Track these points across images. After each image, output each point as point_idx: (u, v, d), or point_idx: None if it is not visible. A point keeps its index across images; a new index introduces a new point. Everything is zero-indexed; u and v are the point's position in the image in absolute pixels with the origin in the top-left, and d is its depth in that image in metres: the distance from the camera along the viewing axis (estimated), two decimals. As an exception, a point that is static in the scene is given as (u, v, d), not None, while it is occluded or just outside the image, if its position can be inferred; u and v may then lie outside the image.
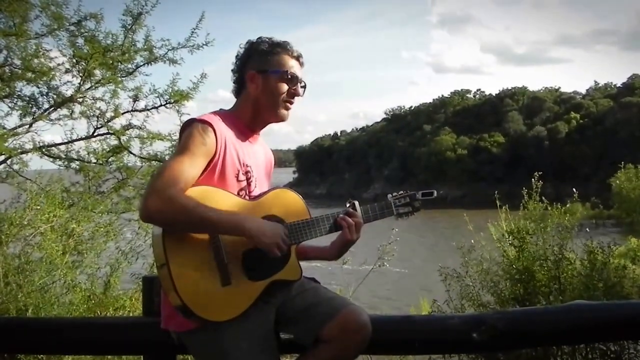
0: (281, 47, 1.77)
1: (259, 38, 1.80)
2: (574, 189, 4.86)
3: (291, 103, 1.79)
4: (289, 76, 1.76)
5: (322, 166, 76.21)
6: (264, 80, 1.75)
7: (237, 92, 1.81)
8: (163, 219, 1.52)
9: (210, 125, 1.63)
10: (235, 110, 1.80)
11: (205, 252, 1.57)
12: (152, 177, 1.82)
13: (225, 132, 1.67)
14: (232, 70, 1.81)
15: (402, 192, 1.94)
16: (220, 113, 1.75)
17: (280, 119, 1.79)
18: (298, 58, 1.80)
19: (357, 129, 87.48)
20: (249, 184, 1.72)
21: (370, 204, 1.86)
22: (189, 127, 1.64)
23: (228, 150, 1.66)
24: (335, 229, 1.78)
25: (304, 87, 1.82)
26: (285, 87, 1.76)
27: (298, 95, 1.79)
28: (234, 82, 1.82)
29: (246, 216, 1.61)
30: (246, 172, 1.71)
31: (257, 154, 1.80)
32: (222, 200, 1.61)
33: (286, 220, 1.70)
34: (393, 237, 4.53)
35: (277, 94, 1.76)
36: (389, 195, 1.91)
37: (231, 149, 1.67)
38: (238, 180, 1.69)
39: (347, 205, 1.83)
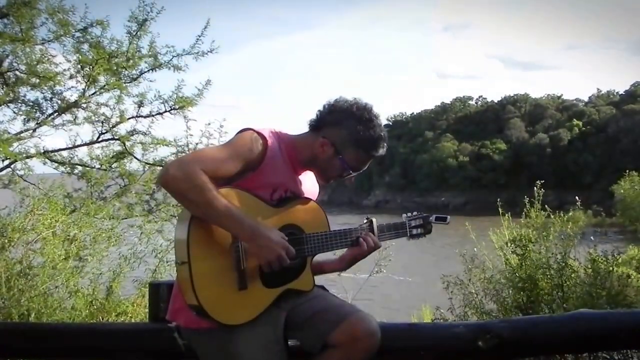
0: (370, 145, 1.76)
1: (363, 109, 1.75)
2: (577, 197, 4.85)
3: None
4: (352, 171, 1.79)
5: (323, 172, 75.98)
6: (332, 155, 1.76)
7: (312, 127, 1.80)
8: (176, 189, 1.55)
9: (265, 139, 1.66)
10: (298, 140, 1.79)
11: (226, 255, 1.58)
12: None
13: (277, 152, 1.69)
14: (324, 106, 1.79)
15: (415, 212, 1.96)
16: (281, 133, 1.76)
17: (324, 183, 1.86)
18: (375, 157, 1.81)
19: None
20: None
21: (387, 223, 1.89)
22: (244, 132, 1.68)
23: (272, 170, 1.67)
24: (357, 244, 1.81)
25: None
26: (342, 173, 1.80)
27: (349, 182, 1.86)
28: (317, 117, 1.80)
29: (258, 223, 1.59)
30: (285, 192, 1.72)
31: (304, 183, 1.81)
32: (247, 201, 1.62)
33: (306, 231, 1.71)
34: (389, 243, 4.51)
35: (332, 173, 1.80)
36: (404, 215, 1.94)
37: (276, 170, 1.68)
38: (272, 199, 1.69)
39: (364, 221, 1.86)
